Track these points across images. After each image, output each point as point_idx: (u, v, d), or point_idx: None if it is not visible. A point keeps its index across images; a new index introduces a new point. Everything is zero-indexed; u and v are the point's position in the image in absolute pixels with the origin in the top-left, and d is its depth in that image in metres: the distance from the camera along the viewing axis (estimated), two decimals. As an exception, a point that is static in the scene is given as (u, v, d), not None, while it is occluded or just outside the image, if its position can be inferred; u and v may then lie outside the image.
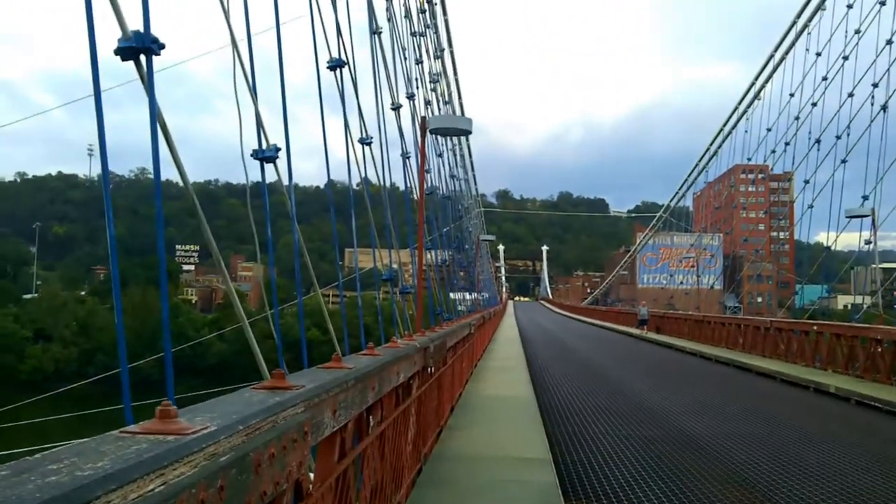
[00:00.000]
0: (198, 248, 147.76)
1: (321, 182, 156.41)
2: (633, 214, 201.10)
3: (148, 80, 3.26)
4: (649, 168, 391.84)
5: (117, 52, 3.19)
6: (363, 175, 10.28)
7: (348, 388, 3.71)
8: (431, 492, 6.41)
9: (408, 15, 18.06)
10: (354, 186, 10.31)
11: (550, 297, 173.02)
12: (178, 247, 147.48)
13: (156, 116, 3.31)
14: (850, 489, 8.03)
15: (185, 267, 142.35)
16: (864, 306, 30.87)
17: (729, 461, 9.34)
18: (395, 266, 13.10)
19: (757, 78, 46.82)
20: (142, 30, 3.18)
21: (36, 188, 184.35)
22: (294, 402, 2.70)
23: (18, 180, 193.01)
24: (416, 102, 17.86)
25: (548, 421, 11.51)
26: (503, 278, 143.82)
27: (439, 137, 22.86)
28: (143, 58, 3.23)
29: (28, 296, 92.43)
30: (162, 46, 3.28)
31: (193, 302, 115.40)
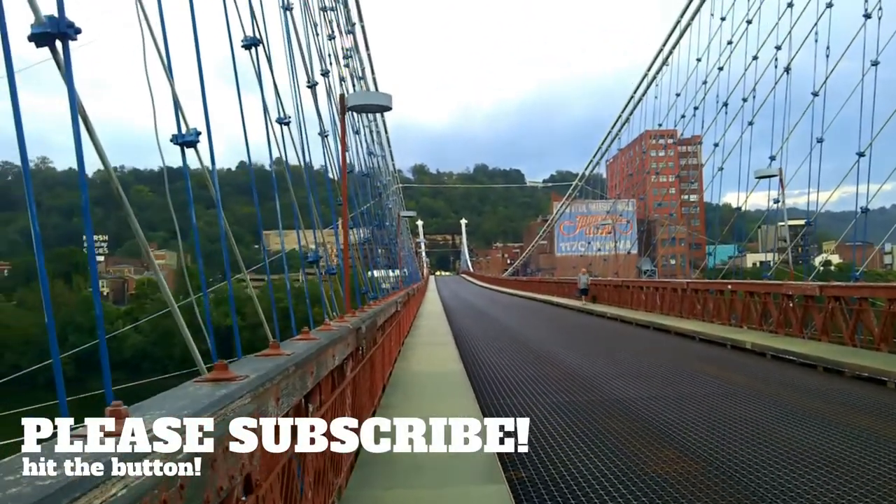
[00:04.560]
0: (107, 237, 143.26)
1: (230, 164, 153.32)
2: (549, 184, 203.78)
3: (66, 67, 3.10)
4: (561, 137, 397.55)
5: (31, 38, 3.03)
6: (284, 156, 10.10)
7: (289, 374, 3.67)
8: (371, 472, 6.41)
9: (317, -11, 17.74)
10: (269, 167, 10.11)
11: (471, 269, 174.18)
12: (85, 237, 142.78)
13: (76, 104, 3.16)
14: (770, 439, 8.39)
15: (96, 257, 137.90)
16: (773, 263, 32.07)
17: (657, 421, 9.61)
18: (314, 246, 12.92)
19: (665, 44, 47.84)
20: (56, 14, 3.03)
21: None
22: (241, 393, 2.65)
23: None
24: (332, 79, 17.64)
25: (480, 393, 11.64)
26: (423, 253, 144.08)
27: (356, 114, 22.64)
28: (58, 43, 3.07)
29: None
30: (78, 31, 3.13)
31: (105, 294, 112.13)
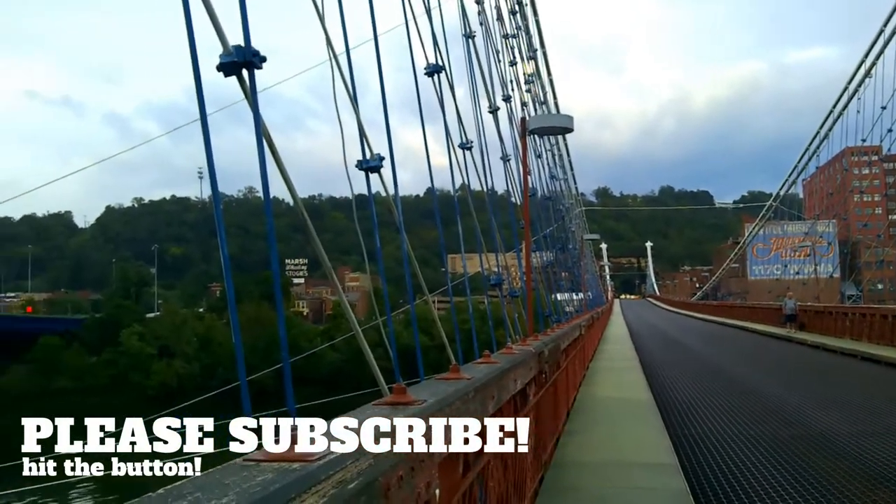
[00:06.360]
0: (306, 261, 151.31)
1: (417, 190, 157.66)
2: (740, 205, 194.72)
3: (251, 94, 3.21)
4: (750, 156, 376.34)
5: (219, 67, 3.15)
6: (466, 180, 10.16)
7: (469, 399, 3.57)
8: (556, 501, 6.21)
9: (500, 17, 17.91)
10: (453, 192, 10.20)
11: (657, 293, 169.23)
12: (287, 261, 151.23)
13: (261, 130, 3.25)
14: None
15: (296, 280, 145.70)
16: None
17: (870, 460, 8.75)
18: (497, 269, 12.91)
19: (867, 55, 44.68)
20: (242, 44, 3.14)
21: (152, 212, 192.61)
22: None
23: (136, 206, 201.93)
24: (513, 104, 17.68)
25: (669, 423, 11.10)
26: (608, 277, 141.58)
27: (537, 138, 22.61)
28: (245, 72, 3.18)
29: (151, 314, 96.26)
30: (263, 59, 3.23)
31: (305, 314, 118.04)
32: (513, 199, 15.80)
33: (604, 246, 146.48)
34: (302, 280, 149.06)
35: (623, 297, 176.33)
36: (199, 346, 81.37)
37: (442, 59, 9.20)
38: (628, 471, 7.47)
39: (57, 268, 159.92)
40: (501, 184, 15.67)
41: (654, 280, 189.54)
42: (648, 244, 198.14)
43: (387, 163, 5.73)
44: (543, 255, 23.73)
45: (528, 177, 18.16)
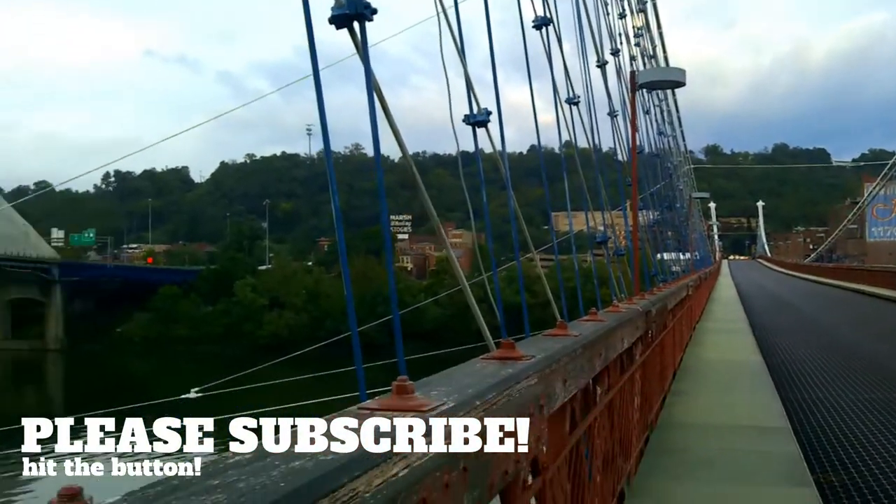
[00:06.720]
0: (410, 217, 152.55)
1: (521, 147, 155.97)
2: (860, 164, 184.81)
3: (362, 47, 3.22)
4: (872, 113, 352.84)
5: (331, 20, 3.17)
6: (572, 136, 9.99)
7: (576, 356, 3.53)
8: (662, 461, 6.13)
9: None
10: (557, 150, 10.06)
11: (768, 254, 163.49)
12: (392, 217, 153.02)
13: (371, 83, 3.26)
14: None
15: (400, 236, 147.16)
16: None
17: None
18: (602, 227, 12.71)
19: None
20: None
21: (263, 168, 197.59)
22: (527, 373, 2.56)
23: (248, 161, 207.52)
24: (622, 58, 17.22)
25: (780, 386, 10.76)
26: (716, 237, 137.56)
27: (645, 93, 22.00)
28: (356, 25, 3.19)
29: (262, 267, 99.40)
30: (374, 11, 3.23)
31: (409, 269, 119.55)
32: (618, 156, 15.48)
33: (712, 205, 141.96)
34: (406, 236, 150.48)
35: (732, 257, 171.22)
36: (307, 299, 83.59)
37: (550, 11, 9.01)
38: (737, 433, 7.30)
39: (175, 221, 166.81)
40: (607, 140, 15.35)
41: (765, 241, 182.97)
42: (760, 204, 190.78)
43: (493, 118, 5.69)
44: (650, 213, 23.24)
45: (636, 133, 17.72)
